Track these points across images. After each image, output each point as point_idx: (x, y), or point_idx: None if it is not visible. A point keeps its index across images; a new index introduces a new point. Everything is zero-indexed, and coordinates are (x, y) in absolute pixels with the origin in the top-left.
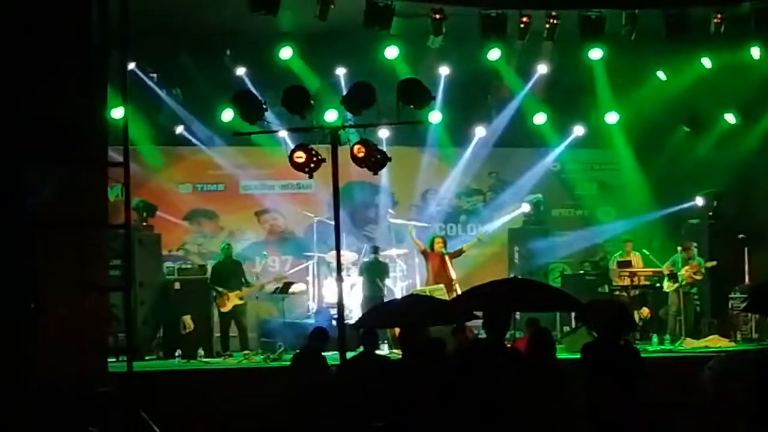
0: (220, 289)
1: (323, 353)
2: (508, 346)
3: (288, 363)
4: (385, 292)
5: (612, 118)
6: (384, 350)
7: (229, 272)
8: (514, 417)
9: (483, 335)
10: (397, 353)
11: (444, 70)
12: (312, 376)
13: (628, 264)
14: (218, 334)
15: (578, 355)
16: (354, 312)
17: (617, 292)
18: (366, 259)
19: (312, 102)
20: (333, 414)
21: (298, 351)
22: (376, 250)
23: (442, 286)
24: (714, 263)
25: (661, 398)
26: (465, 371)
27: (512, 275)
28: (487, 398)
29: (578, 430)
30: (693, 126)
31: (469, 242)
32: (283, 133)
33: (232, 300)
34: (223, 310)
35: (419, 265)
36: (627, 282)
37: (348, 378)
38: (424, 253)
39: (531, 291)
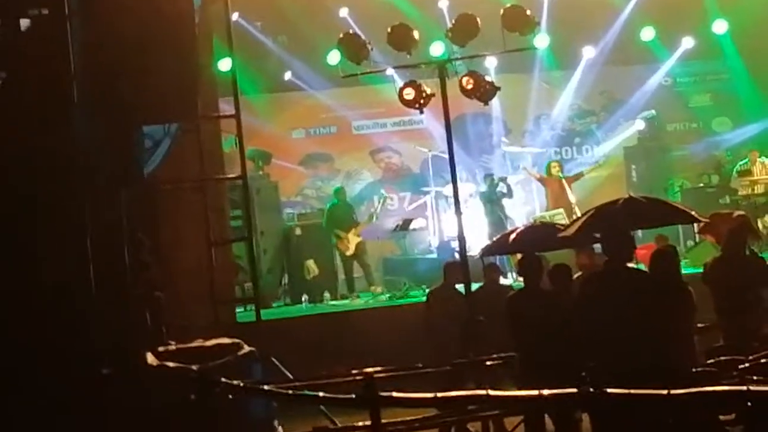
0: (339, 232)
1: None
2: (633, 266)
3: (414, 300)
4: (506, 220)
5: (720, 27)
6: (508, 279)
7: (345, 214)
8: (639, 337)
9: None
10: (521, 281)
11: None
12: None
13: (749, 173)
14: (343, 277)
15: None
16: (475, 243)
17: (740, 202)
18: (482, 189)
19: (417, 38)
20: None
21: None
22: (491, 178)
23: (561, 210)
24: None
25: None
26: (591, 297)
27: (630, 193)
28: (613, 322)
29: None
30: None
31: (588, 167)
32: (390, 71)
33: (353, 240)
34: (347, 254)
35: (538, 191)
36: (749, 191)
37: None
38: (541, 180)
39: (647, 207)
